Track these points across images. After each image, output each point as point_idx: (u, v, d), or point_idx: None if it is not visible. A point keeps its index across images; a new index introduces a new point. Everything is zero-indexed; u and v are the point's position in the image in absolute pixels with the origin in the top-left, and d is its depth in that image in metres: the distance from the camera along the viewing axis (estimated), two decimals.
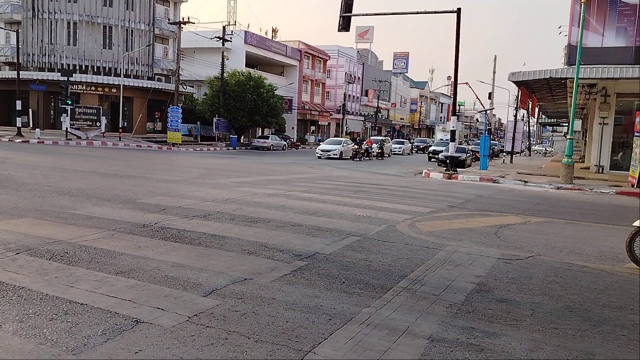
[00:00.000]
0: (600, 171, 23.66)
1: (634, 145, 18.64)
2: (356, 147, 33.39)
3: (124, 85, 37.56)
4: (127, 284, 4.77)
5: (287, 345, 3.62)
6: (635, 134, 18.28)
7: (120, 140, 34.04)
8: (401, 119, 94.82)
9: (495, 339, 3.94)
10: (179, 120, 36.52)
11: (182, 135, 38.01)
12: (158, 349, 3.48)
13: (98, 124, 34.75)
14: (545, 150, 75.64)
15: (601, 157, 24.08)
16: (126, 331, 3.73)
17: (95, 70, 40.10)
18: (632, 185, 17.69)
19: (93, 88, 39.18)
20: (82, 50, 39.64)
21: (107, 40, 40.61)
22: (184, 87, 43.00)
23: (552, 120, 69.96)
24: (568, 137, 21.00)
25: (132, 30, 41.19)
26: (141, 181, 13.17)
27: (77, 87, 37.78)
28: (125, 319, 3.94)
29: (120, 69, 38.88)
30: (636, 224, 6.52)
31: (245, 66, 48.26)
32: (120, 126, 36.63)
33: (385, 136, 58.34)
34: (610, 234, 9.02)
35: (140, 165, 18.68)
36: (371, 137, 46.17)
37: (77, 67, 39.33)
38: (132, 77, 40.90)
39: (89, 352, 3.38)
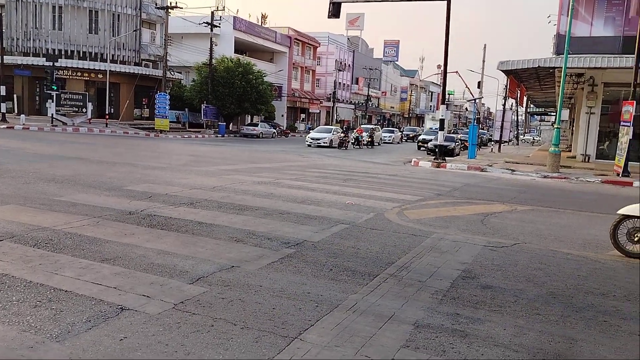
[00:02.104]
0: (587, 160, 23.88)
1: (620, 134, 18.81)
2: (343, 135, 33.09)
3: (110, 70, 37.05)
4: (113, 271, 4.74)
5: (274, 331, 3.63)
6: (622, 123, 18.44)
7: (106, 126, 33.68)
8: (391, 107, 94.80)
9: (479, 325, 3.98)
10: (167, 107, 36.22)
11: (170, 122, 37.71)
12: (143, 335, 3.47)
13: (84, 110, 34.35)
14: (533, 139, 76.14)
15: (588, 146, 24.30)
16: (111, 318, 3.71)
17: (81, 55, 39.50)
18: (618, 174, 17.88)
19: (79, 74, 38.63)
20: (67, 35, 39.00)
21: (93, 24, 39.96)
22: (172, 73, 42.59)
23: (540, 110, 70.52)
24: (555, 126, 21.14)
25: (118, 15, 40.56)
26: (128, 168, 13.07)
27: (63, 72, 37.22)
28: (110, 306, 3.92)
29: (107, 55, 38.33)
30: (620, 212, 6.60)
31: (234, 52, 47.83)
32: (107, 112, 36.17)
33: (375, 125, 58.32)
34: (594, 222, 9.13)
35: (127, 152, 18.53)
36: (361, 126, 46.08)
37: (63, 52, 38.72)
38: (118, 62, 40.35)
39: (73, 339, 3.36)
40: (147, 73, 41.40)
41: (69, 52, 39.12)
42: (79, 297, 4.07)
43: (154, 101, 36.92)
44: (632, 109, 17.57)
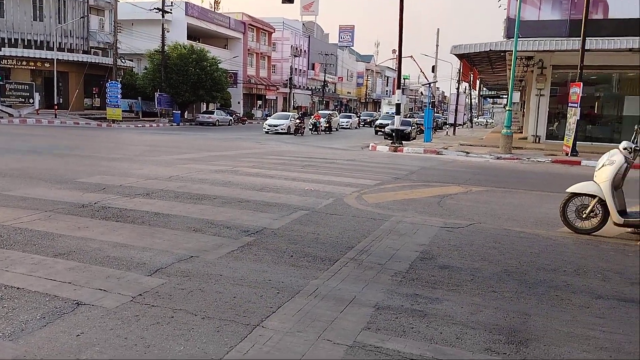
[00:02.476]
0: (537, 141, 24.65)
1: (568, 115, 19.49)
2: (298, 121, 32.69)
3: (57, 59, 35.62)
4: (67, 266, 4.61)
5: (235, 320, 3.62)
6: (570, 104, 19.09)
7: (56, 117, 32.52)
8: (348, 92, 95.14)
9: (437, 304, 4.08)
10: (119, 96, 35.19)
11: (123, 111, 36.67)
12: (101, 330, 3.39)
13: (31, 100, 33.01)
14: (487, 122, 77.94)
15: (538, 127, 25.08)
16: (67, 314, 3.61)
17: (26, 43, 37.82)
18: (567, 154, 18.55)
19: (24, 63, 36.99)
20: (10, 22, 37.22)
21: (38, 11, 38.27)
22: (123, 61, 41.35)
23: (493, 93, 72.17)
24: (507, 108, 21.71)
25: (64, 1, 38.98)
26: (80, 160, 12.67)
27: (7, 62, 35.61)
28: (65, 302, 3.81)
29: (54, 43, 36.83)
30: (569, 190, 6.86)
31: (187, 39, 46.85)
32: (56, 103, 34.86)
33: (332, 110, 58.42)
34: (545, 200, 9.45)
35: (79, 143, 17.95)
36: (319, 111, 46.08)
37: (6, 41, 36.98)
38: (66, 50, 38.86)
39: (28, 337, 3.26)
40: (97, 61, 40.04)
41: (13, 40, 37.39)
42: (32, 294, 3.94)
43: (105, 90, 35.80)
44: (579, 90, 18.21)
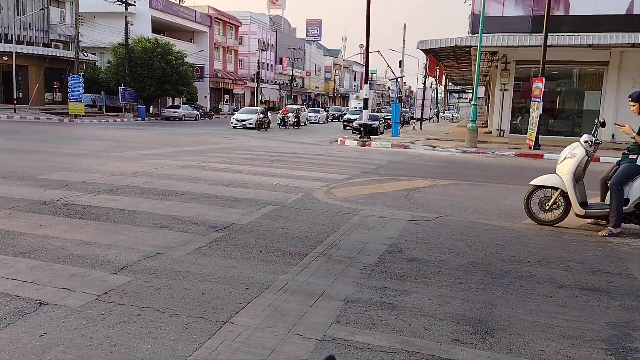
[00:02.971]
0: (502, 135, 25.16)
1: (531, 110, 19.94)
2: (262, 116, 32.22)
3: (16, 52, 34.47)
4: (28, 265, 4.47)
5: (204, 317, 3.58)
6: (532, 99, 19.53)
7: (15, 112, 31.50)
8: (316, 87, 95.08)
9: (406, 297, 4.12)
10: (81, 90, 34.29)
11: (85, 106, 35.76)
12: (65, 330, 3.31)
13: None
14: (452, 116, 79.06)
15: (502, 121, 25.59)
16: (29, 314, 3.51)
17: None
18: (530, 147, 18.99)
19: None
20: None
21: None
22: (85, 54, 40.33)
23: (458, 87, 73.25)
24: (472, 103, 22.07)
25: None
26: (41, 156, 12.31)
27: None
28: (27, 302, 3.70)
29: (12, 35, 35.60)
30: (532, 182, 7.02)
31: (152, 32, 45.93)
32: (15, 97, 33.75)
33: (301, 105, 58.29)
34: (510, 193, 9.65)
35: (40, 139, 17.44)
36: (287, 106, 45.91)
37: None
38: (25, 43, 37.61)
39: None
40: (58, 55, 38.92)
41: None
42: None
43: (67, 84, 34.83)
44: (542, 85, 18.64)
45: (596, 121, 6.94)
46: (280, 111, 37.30)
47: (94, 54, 44.26)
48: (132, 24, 40.40)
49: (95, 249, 5.03)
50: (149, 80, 39.09)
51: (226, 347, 3.17)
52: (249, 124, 31.92)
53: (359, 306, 3.89)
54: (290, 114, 35.65)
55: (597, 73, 23.87)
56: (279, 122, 33.94)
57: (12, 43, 34.90)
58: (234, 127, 32.02)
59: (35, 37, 38.94)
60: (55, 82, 40.68)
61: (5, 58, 35.35)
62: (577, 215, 6.67)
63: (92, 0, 40.17)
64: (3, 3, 36.91)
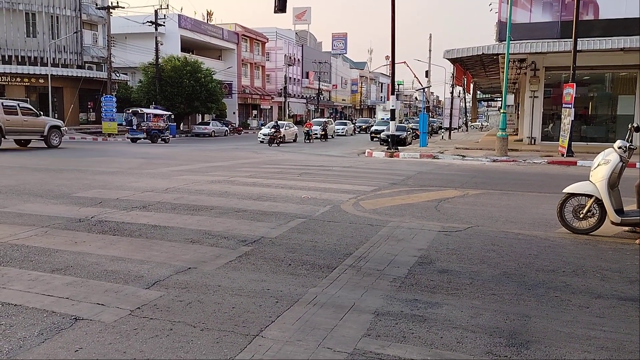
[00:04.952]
0: (533, 142, 24.73)
1: (562, 116, 19.56)
2: (273, 131, 30.88)
3: (52, 75, 35.68)
4: (64, 282, 4.58)
5: (234, 330, 3.60)
6: (564, 105, 19.17)
7: None
8: (343, 100, 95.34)
9: (437, 309, 4.07)
10: (114, 110, 35.21)
11: (118, 124, 36.71)
12: (100, 345, 3.37)
13: None
14: (482, 125, 78.15)
15: (533, 129, 25.17)
16: (65, 330, 3.59)
17: (20, 60, 37.87)
18: (562, 155, 18.60)
19: (18, 79, 37.06)
20: (3, 39, 37.27)
21: (31, 27, 38.37)
22: (117, 74, 41.42)
23: (487, 96, 72.41)
24: (502, 111, 21.80)
25: (57, 17, 39.09)
26: (75, 174, 12.65)
27: (1, 78, 35.66)
28: (63, 318, 3.79)
29: (47, 58, 36.87)
30: (565, 190, 6.87)
31: (181, 51, 46.96)
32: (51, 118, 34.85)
33: (328, 118, 58.52)
34: (542, 201, 9.46)
35: (74, 158, 17.93)
36: (312, 119, 46.16)
37: (0, 58, 37.02)
38: (60, 66, 38.92)
39: (26, 354, 3.23)
40: (91, 76, 40.14)
41: (7, 57, 37.46)
42: (30, 310, 3.91)
43: (100, 104, 35.80)
44: (573, 91, 18.29)
45: (630, 126, 6.77)
46: (305, 125, 37.55)
47: (126, 74, 45.45)
48: (162, 44, 41.40)
49: (129, 264, 5.12)
50: (179, 98, 39.88)
51: None
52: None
53: (390, 319, 3.85)
54: (315, 127, 35.80)
55: (630, 77, 23.30)
56: (304, 136, 34.22)
57: (47, 66, 36.14)
58: (262, 141, 32.33)
59: (70, 59, 40.22)
60: (89, 102, 41.87)
61: (41, 81, 36.58)
62: (612, 223, 6.49)
63: (123, 22, 41.33)
64: (39, 28, 38.31)
